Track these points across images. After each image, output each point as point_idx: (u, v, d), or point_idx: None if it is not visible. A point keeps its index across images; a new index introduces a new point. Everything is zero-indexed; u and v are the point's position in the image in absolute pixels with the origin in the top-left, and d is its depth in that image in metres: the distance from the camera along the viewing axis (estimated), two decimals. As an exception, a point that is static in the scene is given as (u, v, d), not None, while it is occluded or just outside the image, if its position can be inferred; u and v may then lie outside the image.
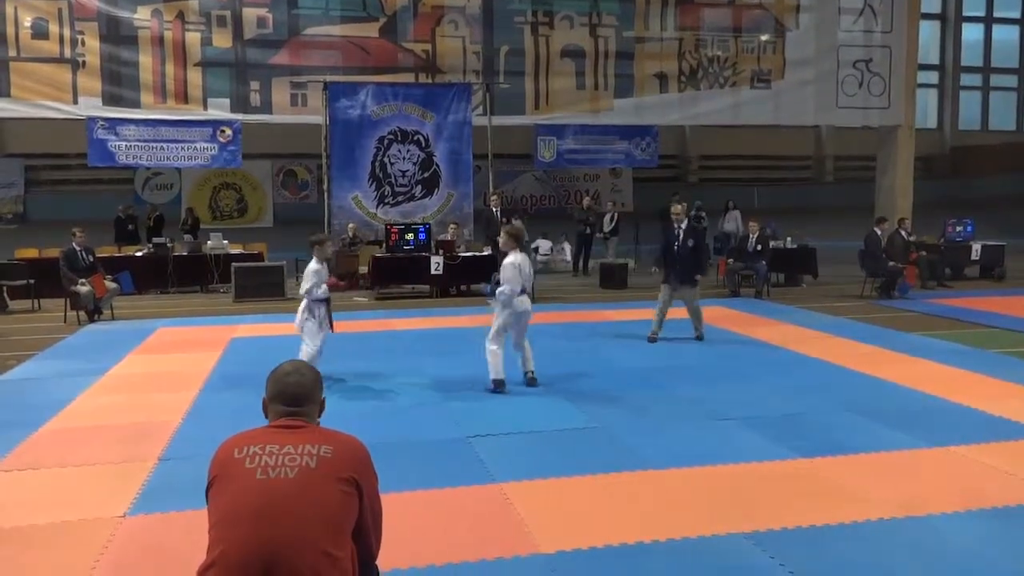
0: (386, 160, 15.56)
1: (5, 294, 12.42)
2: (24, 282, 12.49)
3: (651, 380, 7.52)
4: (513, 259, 7.07)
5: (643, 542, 4.04)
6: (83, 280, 11.16)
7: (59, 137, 19.96)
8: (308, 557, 2.22)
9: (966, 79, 30.75)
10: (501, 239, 7.40)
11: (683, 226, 9.41)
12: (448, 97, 15.72)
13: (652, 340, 9.32)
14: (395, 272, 13.80)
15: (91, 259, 11.61)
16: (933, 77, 29.93)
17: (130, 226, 16.16)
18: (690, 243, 9.34)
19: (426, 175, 15.72)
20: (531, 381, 7.24)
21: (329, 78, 15.43)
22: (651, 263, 10.81)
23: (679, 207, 9.65)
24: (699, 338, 9.46)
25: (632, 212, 23.06)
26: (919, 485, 4.82)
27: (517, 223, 12.40)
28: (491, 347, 7.12)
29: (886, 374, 7.61)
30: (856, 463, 5.21)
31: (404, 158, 15.63)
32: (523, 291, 7.11)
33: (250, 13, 15.47)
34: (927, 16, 25.75)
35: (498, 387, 7.06)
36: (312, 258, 7.31)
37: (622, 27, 16.89)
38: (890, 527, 4.22)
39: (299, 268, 15.22)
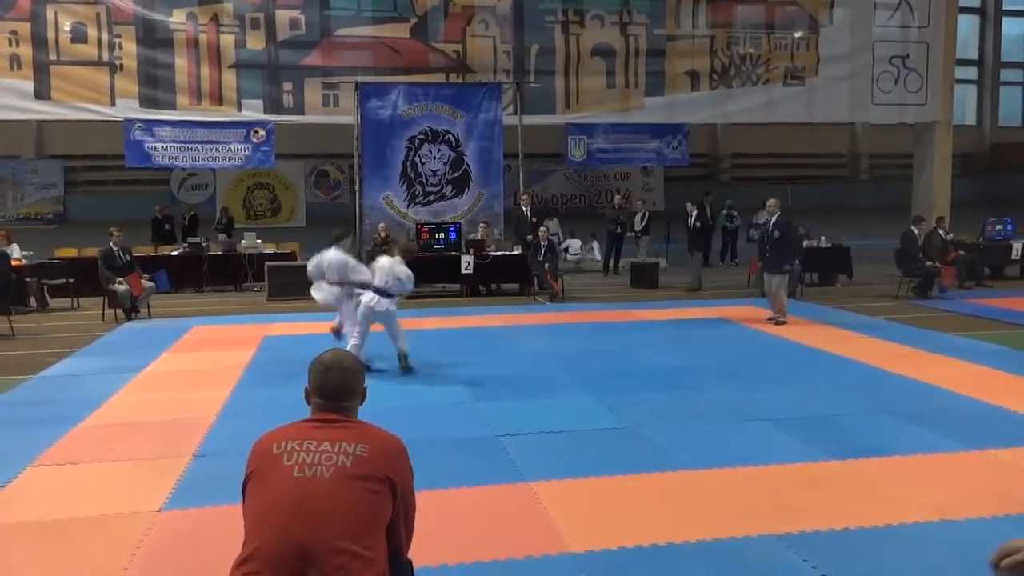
0: (417, 160, 15.63)
1: (45, 292, 12.68)
2: (64, 281, 12.75)
3: (682, 380, 7.48)
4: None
5: (674, 543, 4.02)
6: (120, 279, 11.35)
7: (97, 139, 20.35)
8: (340, 556, 2.24)
9: (1006, 74, 30.16)
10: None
11: (774, 219, 10.46)
12: (479, 97, 15.74)
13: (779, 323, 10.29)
14: (426, 271, 13.83)
15: (128, 258, 11.81)
16: (972, 73, 29.39)
17: (166, 226, 16.42)
18: (776, 235, 10.34)
19: (456, 175, 15.76)
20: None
21: (361, 78, 15.53)
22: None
23: (773, 200, 10.87)
24: (777, 322, 10.24)
25: (663, 211, 22.94)
26: (956, 488, 4.74)
27: (548, 223, 12.50)
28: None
29: (923, 375, 7.49)
30: (891, 465, 5.14)
31: (435, 158, 15.68)
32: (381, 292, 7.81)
33: (283, 15, 15.62)
34: (965, 10, 25.28)
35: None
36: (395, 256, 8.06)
37: (653, 25, 16.79)
38: (926, 531, 4.16)
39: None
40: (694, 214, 14.83)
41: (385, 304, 7.85)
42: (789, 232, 10.69)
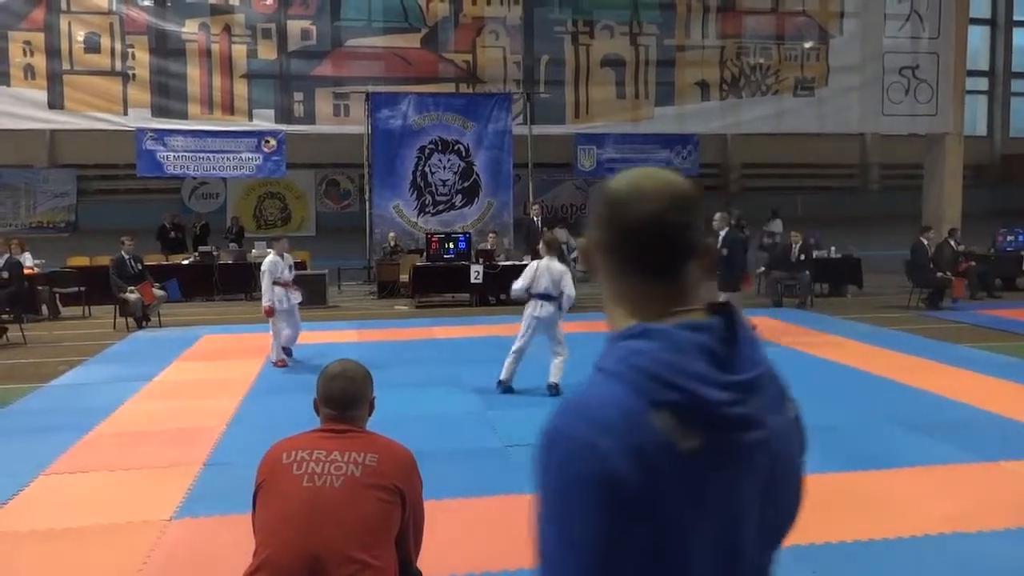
0: (427, 169, 15.68)
1: (57, 301, 12.75)
2: (75, 289, 12.82)
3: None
4: (537, 263, 7.33)
5: (683, 554, 4.01)
6: (132, 288, 11.41)
7: (110, 148, 20.45)
8: (350, 566, 2.25)
9: (1017, 85, 30.00)
10: (540, 247, 7.61)
11: (721, 235, 9.84)
12: (488, 107, 15.80)
13: None
14: (435, 281, 13.88)
15: (139, 267, 11.87)
16: (983, 83, 29.25)
17: (172, 233, 16.48)
18: (724, 252, 9.76)
19: (466, 184, 15.80)
20: (550, 389, 7.28)
21: (371, 88, 15.60)
22: None
23: (719, 215, 10.11)
24: None
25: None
26: (967, 500, 4.71)
27: (558, 231, 12.40)
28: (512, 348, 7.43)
29: (933, 386, 7.45)
30: (901, 477, 5.11)
31: (445, 167, 15.73)
32: (543, 296, 7.21)
33: (294, 25, 15.73)
34: (976, 21, 25.18)
35: (501, 386, 7.37)
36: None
37: (663, 36, 16.81)
38: (937, 543, 4.13)
39: (341, 276, 15.47)
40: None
41: (550, 309, 7.26)
42: (738, 248, 10.16)
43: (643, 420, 0.98)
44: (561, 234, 16.38)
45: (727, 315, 1.10)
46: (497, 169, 15.82)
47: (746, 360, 1.06)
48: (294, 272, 9.20)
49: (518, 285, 7.33)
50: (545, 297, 7.22)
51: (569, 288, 7.28)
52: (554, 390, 7.23)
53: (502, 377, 7.38)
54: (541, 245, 7.56)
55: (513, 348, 7.39)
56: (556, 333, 7.33)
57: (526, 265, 13.77)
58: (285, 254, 8.92)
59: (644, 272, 1.11)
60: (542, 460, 1.03)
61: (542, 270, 7.24)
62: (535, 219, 14.82)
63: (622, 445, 0.97)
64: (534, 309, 7.25)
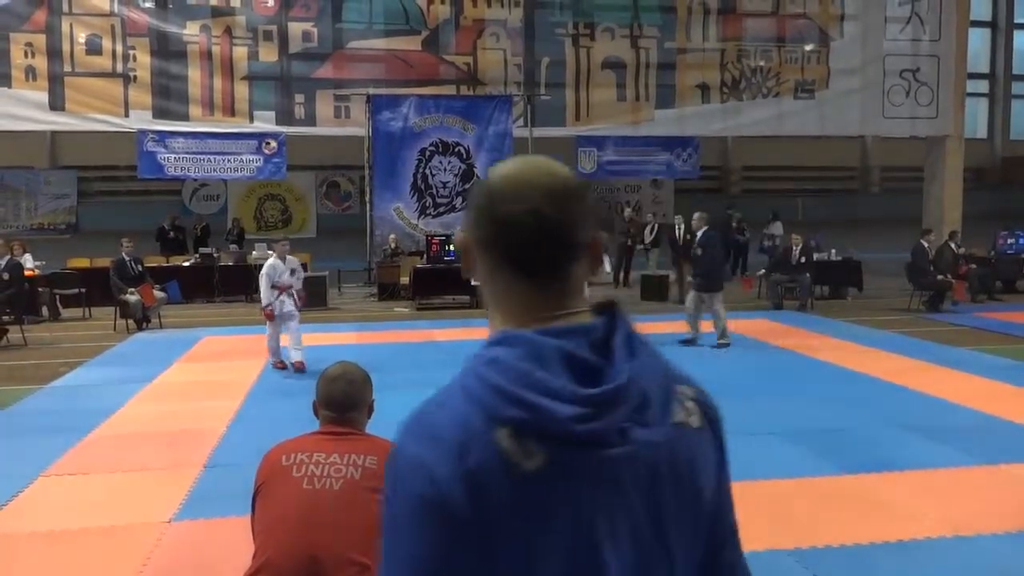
0: (427, 171, 15.68)
1: (58, 302, 12.76)
2: (76, 291, 12.83)
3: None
4: None
5: (683, 557, 4.00)
6: (132, 289, 11.41)
7: (110, 149, 20.44)
8: (350, 568, 2.25)
9: (1018, 88, 30.01)
10: None
11: (699, 235, 10.02)
12: (489, 109, 15.80)
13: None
14: (436, 283, 13.88)
15: (140, 269, 11.87)
16: (983, 86, 29.26)
17: (170, 233, 16.48)
18: (698, 252, 9.91)
19: (467, 186, 15.79)
20: None
21: (372, 91, 15.61)
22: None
23: (699, 215, 10.38)
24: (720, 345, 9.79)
25: (673, 224, 22.88)
26: (969, 504, 4.70)
27: None
28: None
29: (934, 389, 7.45)
30: (902, 480, 5.10)
31: (445, 169, 15.74)
32: None
33: (296, 27, 15.73)
34: (976, 24, 25.19)
35: None
36: None
37: (663, 38, 16.82)
38: (939, 546, 4.12)
39: (341, 278, 15.47)
40: (681, 227, 14.58)
41: None
42: (714, 248, 10.14)
43: (483, 439, 0.92)
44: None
45: (610, 316, 1.01)
46: (496, 171, 15.80)
47: (619, 367, 0.96)
48: (301, 276, 8.98)
49: None
50: None
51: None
52: None
53: None
54: None
55: None
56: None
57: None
58: (288, 257, 8.79)
59: (520, 271, 1.02)
60: (386, 475, 0.99)
61: None
62: None
63: (455, 466, 0.92)
64: None
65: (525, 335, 0.98)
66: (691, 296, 10.07)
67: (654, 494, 0.98)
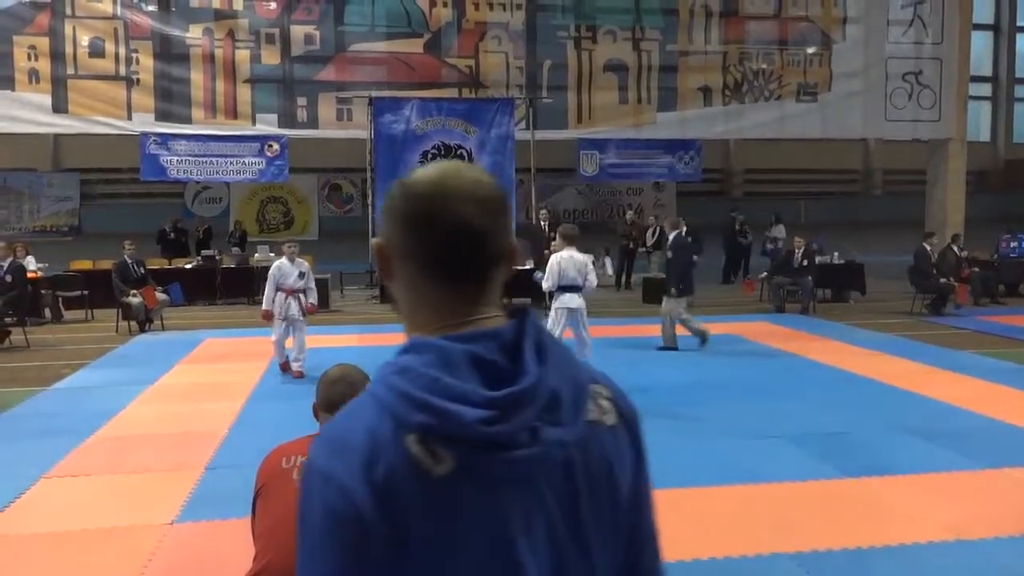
0: (429, 174, 15.67)
1: (60, 304, 12.77)
2: (78, 293, 12.85)
3: (693, 395, 7.45)
4: (560, 255, 7.23)
5: (684, 561, 4.00)
6: (134, 291, 11.42)
7: (113, 152, 20.49)
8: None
9: (1020, 91, 29.99)
10: (555, 241, 7.58)
11: (671, 238, 9.83)
12: (491, 112, 15.80)
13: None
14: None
15: (142, 271, 11.89)
16: (986, 89, 29.25)
17: (171, 235, 16.50)
18: (668, 255, 9.77)
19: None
20: None
21: (374, 93, 15.62)
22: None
23: (673, 219, 10.30)
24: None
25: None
26: (971, 507, 4.69)
27: (569, 226, 12.40)
28: None
29: (936, 393, 7.43)
30: (904, 484, 5.09)
31: (447, 172, 15.73)
32: (571, 287, 7.16)
33: (298, 31, 15.76)
34: (979, 27, 25.19)
35: None
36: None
37: (665, 41, 16.82)
38: (940, 550, 4.12)
39: (344, 281, 15.47)
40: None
41: (578, 301, 7.26)
42: (683, 252, 9.85)
43: (392, 446, 0.93)
44: (571, 226, 16.39)
45: (520, 321, 1.01)
46: (499, 174, 15.77)
47: (527, 369, 0.97)
48: (311, 280, 8.63)
49: (548, 283, 7.30)
50: (573, 288, 7.19)
51: (592, 277, 7.32)
52: None
53: None
54: (557, 238, 7.52)
55: None
56: (583, 327, 7.31)
57: (528, 270, 13.92)
58: (297, 259, 8.52)
59: (446, 278, 1.02)
60: (300, 491, 0.99)
61: (566, 262, 7.22)
62: (544, 224, 14.88)
63: (364, 476, 0.92)
64: (564, 301, 7.19)
65: (434, 342, 0.98)
66: (667, 301, 9.76)
67: (569, 492, 0.98)
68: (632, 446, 1.09)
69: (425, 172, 1.07)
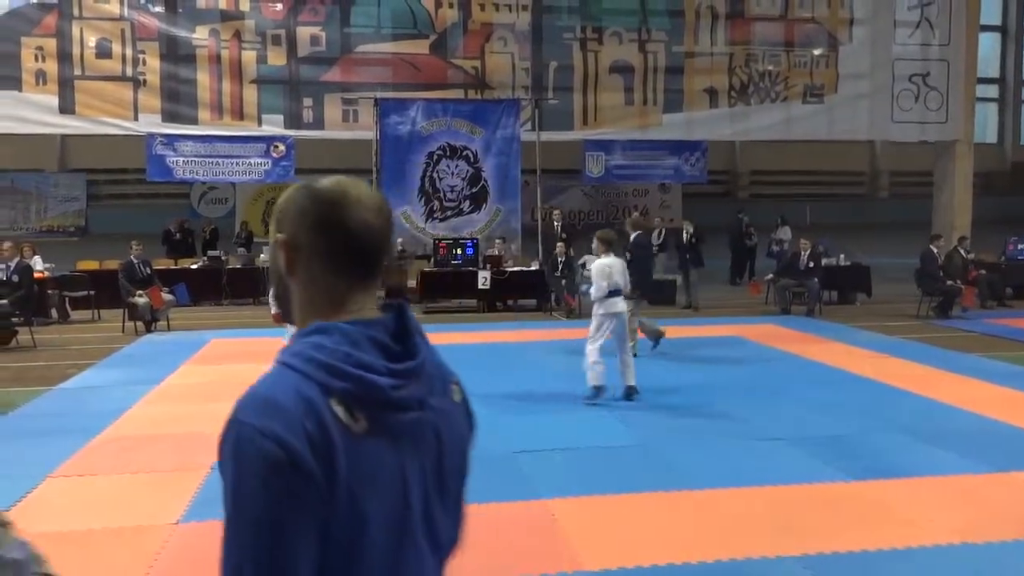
0: (435, 175, 15.70)
1: (67, 304, 12.81)
2: (85, 293, 12.88)
3: (698, 398, 7.44)
4: (602, 261, 7.22)
5: (690, 563, 3.99)
6: (141, 292, 11.45)
7: (120, 153, 20.56)
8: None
9: (1028, 93, 29.92)
10: (594, 244, 7.56)
11: (632, 238, 9.55)
12: (497, 113, 15.81)
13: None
14: (443, 287, 13.89)
15: (148, 271, 11.92)
16: (993, 91, 29.16)
17: (177, 236, 16.54)
18: (627, 256, 9.28)
19: (474, 190, 15.81)
20: (627, 393, 7.20)
21: (380, 94, 15.64)
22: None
23: (635, 217, 10.22)
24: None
25: (681, 228, 22.84)
26: (977, 511, 4.67)
27: (607, 230, 12.41)
28: (589, 347, 7.18)
29: (942, 395, 7.41)
30: (910, 487, 5.08)
31: (453, 173, 15.75)
32: (618, 292, 7.17)
33: (304, 31, 15.79)
34: (987, 28, 25.10)
35: (597, 393, 7.08)
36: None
37: (671, 42, 16.80)
38: (947, 554, 4.10)
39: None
40: (691, 231, 14.73)
41: (623, 305, 7.26)
42: (644, 254, 9.76)
43: (317, 406, 1.09)
44: (609, 231, 16.39)
45: (399, 311, 1.22)
46: (505, 175, 15.83)
47: (411, 351, 1.19)
48: None
49: (600, 289, 7.10)
50: (620, 293, 7.19)
51: (627, 279, 7.35)
52: (633, 393, 7.20)
53: (599, 383, 7.10)
54: (595, 243, 7.47)
55: (594, 349, 7.12)
56: (627, 328, 7.33)
57: (534, 271, 13.94)
58: None
59: (346, 274, 1.21)
60: (222, 448, 1.12)
61: (615, 266, 7.20)
62: (556, 224, 14.92)
63: (296, 429, 1.07)
64: (612, 306, 7.14)
65: (338, 325, 1.17)
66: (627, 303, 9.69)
67: (436, 450, 1.23)
68: (469, 424, 1.36)
69: (328, 182, 1.25)
